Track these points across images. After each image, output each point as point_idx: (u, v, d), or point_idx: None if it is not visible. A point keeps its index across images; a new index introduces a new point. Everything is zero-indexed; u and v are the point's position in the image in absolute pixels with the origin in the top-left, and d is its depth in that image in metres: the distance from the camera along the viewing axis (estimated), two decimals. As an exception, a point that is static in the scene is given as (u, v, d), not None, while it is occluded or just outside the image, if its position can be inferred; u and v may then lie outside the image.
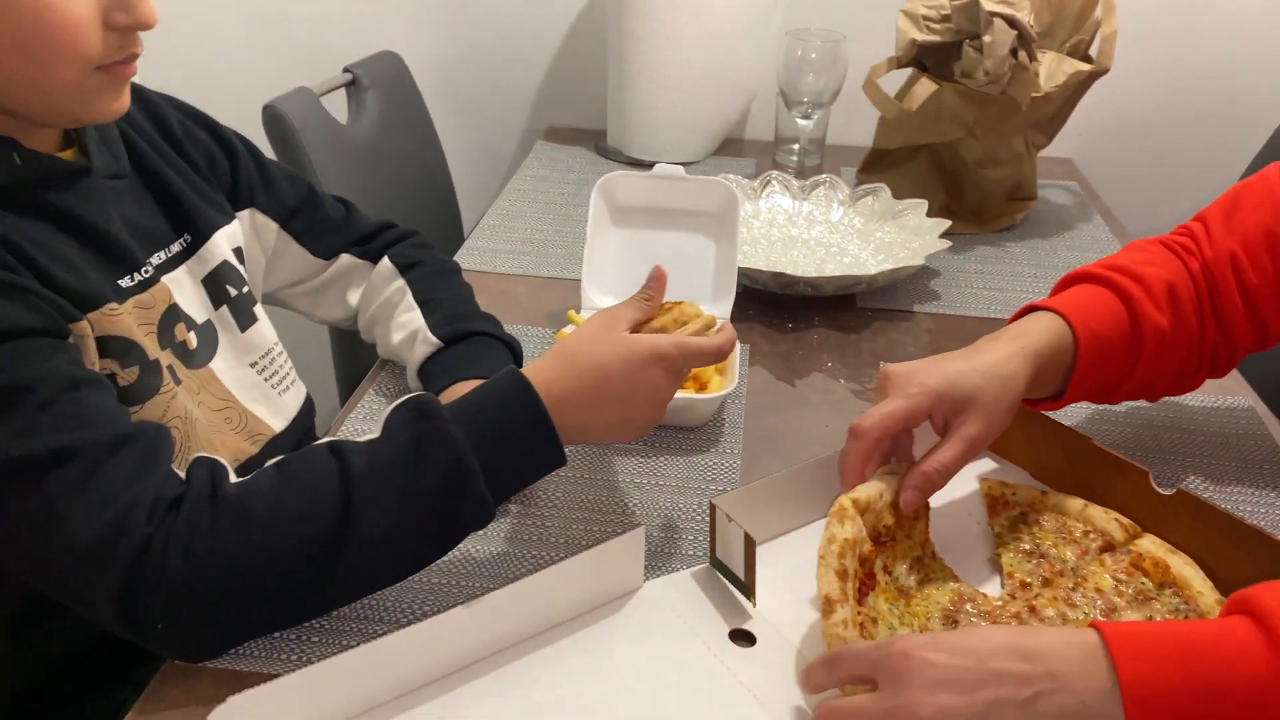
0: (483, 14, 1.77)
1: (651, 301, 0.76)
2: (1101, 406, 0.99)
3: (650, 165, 1.57)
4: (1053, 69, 1.29)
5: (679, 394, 0.90)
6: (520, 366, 0.94)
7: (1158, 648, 0.55)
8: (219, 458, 0.67)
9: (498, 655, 0.67)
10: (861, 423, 0.73)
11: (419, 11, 1.77)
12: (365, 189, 1.44)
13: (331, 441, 0.67)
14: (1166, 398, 0.91)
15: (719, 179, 1.09)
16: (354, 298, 1.02)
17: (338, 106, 1.48)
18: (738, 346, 0.98)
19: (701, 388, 0.93)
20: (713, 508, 0.73)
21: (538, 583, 0.67)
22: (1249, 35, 1.65)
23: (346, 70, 1.51)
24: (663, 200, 1.09)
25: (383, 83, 1.57)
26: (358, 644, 0.61)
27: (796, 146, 1.58)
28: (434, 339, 0.92)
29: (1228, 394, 1.02)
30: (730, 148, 1.70)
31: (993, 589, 0.75)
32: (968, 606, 0.71)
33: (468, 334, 0.93)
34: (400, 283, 0.98)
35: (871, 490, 0.71)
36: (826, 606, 0.65)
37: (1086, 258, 1.33)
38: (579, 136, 1.73)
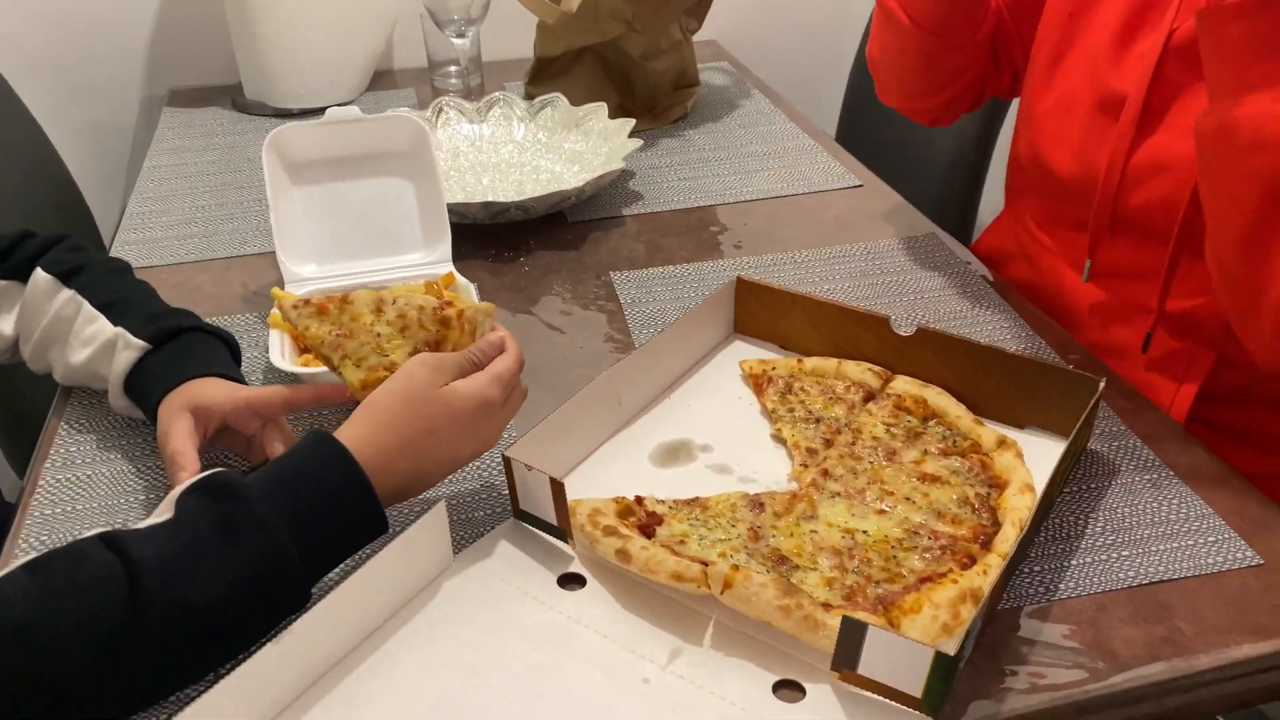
0: (55, -27, 1.51)
1: (480, 366, 0.69)
2: (824, 277, 1.04)
3: (300, 114, 1.44)
4: (693, -48, 1.31)
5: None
6: (239, 362, 0.84)
7: None
8: None
9: (322, 682, 0.60)
10: None
11: (-28, -21, 1.48)
12: (-37, 200, 1.21)
13: (101, 533, 0.57)
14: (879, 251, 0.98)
15: (401, 114, 1.01)
16: (7, 325, 0.85)
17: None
18: (471, 288, 0.93)
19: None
20: (507, 460, 0.69)
21: (347, 593, 0.60)
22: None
23: (-102, 61, 1.24)
24: (344, 148, 0.99)
25: (-50, 70, 1.31)
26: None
27: (454, 68, 1.51)
28: (139, 341, 0.79)
29: (914, 229, 1.11)
30: (383, 80, 1.59)
31: (784, 461, 0.77)
32: (764, 499, 0.72)
33: (176, 331, 0.81)
34: (68, 293, 0.83)
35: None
36: (623, 560, 0.64)
37: (759, 132, 1.39)
38: (210, 96, 1.54)
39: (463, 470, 0.78)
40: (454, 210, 1.06)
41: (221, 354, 0.81)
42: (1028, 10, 1.00)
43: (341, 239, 0.99)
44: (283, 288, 0.94)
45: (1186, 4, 0.83)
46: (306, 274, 0.97)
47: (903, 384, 0.82)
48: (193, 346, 0.80)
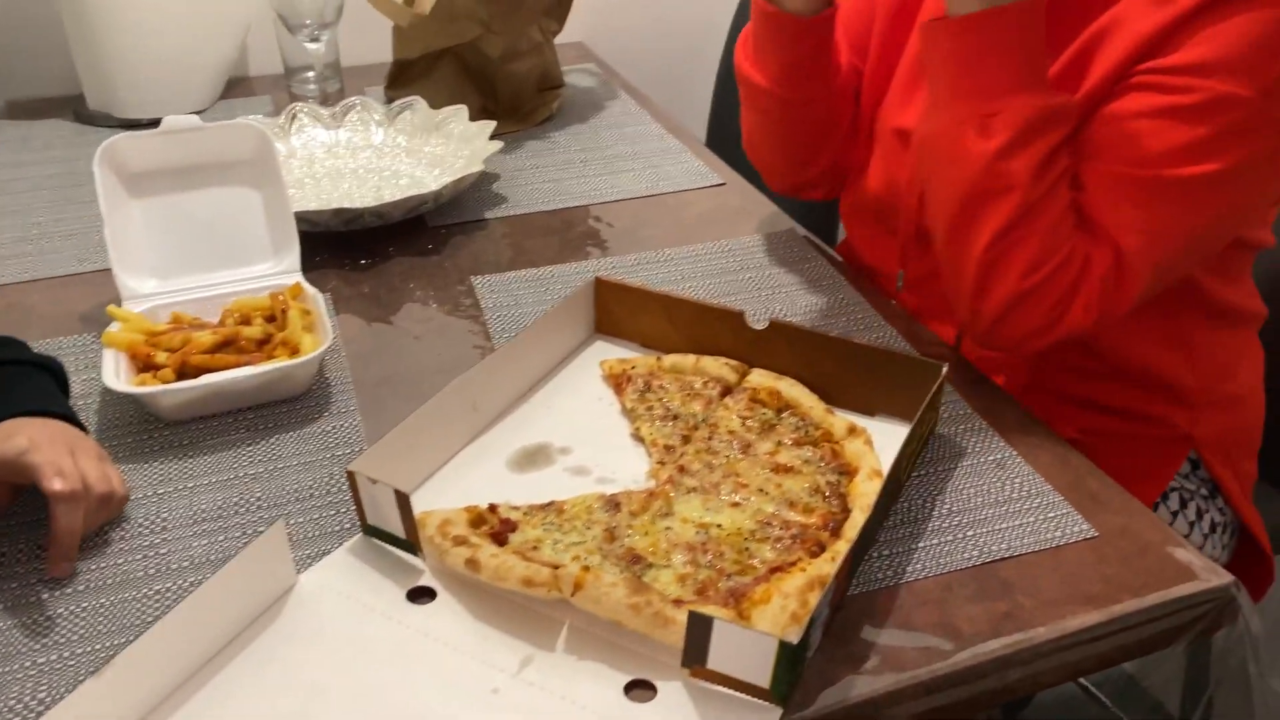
0: None
1: None
2: (687, 275, 1.04)
3: (146, 124, 1.38)
4: (549, -47, 1.30)
5: (272, 364, 0.81)
6: (67, 392, 0.79)
7: None
8: None
9: (156, 713, 0.57)
10: None
11: None
12: None
13: None
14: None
15: (243, 121, 0.97)
16: None
17: None
18: (320, 297, 0.90)
19: (294, 352, 0.84)
20: (351, 475, 0.67)
21: (178, 620, 0.57)
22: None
23: None
24: (184, 157, 0.95)
25: None
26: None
27: (312, 74, 1.47)
28: None
29: (773, 225, 1.12)
30: (238, 88, 1.54)
31: (643, 460, 0.77)
32: (620, 499, 0.72)
33: None
34: None
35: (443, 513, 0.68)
36: (473, 569, 0.63)
37: (625, 134, 1.38)
38: (50, 107, 1.46)
39: (305, 487, 0.75)
40: (305, 218, 1.03)
41: (47, 387, 0.76)
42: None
43: (185, 252, 0.95)
44: (120, 305, 0.90)
45: None
46: (146, 290, 0.92)
47: (758, 377, 0.83)
48: (11, 385, 0.74)
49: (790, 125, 1.03)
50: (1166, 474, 0.99)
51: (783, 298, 0.99)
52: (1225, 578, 0.65)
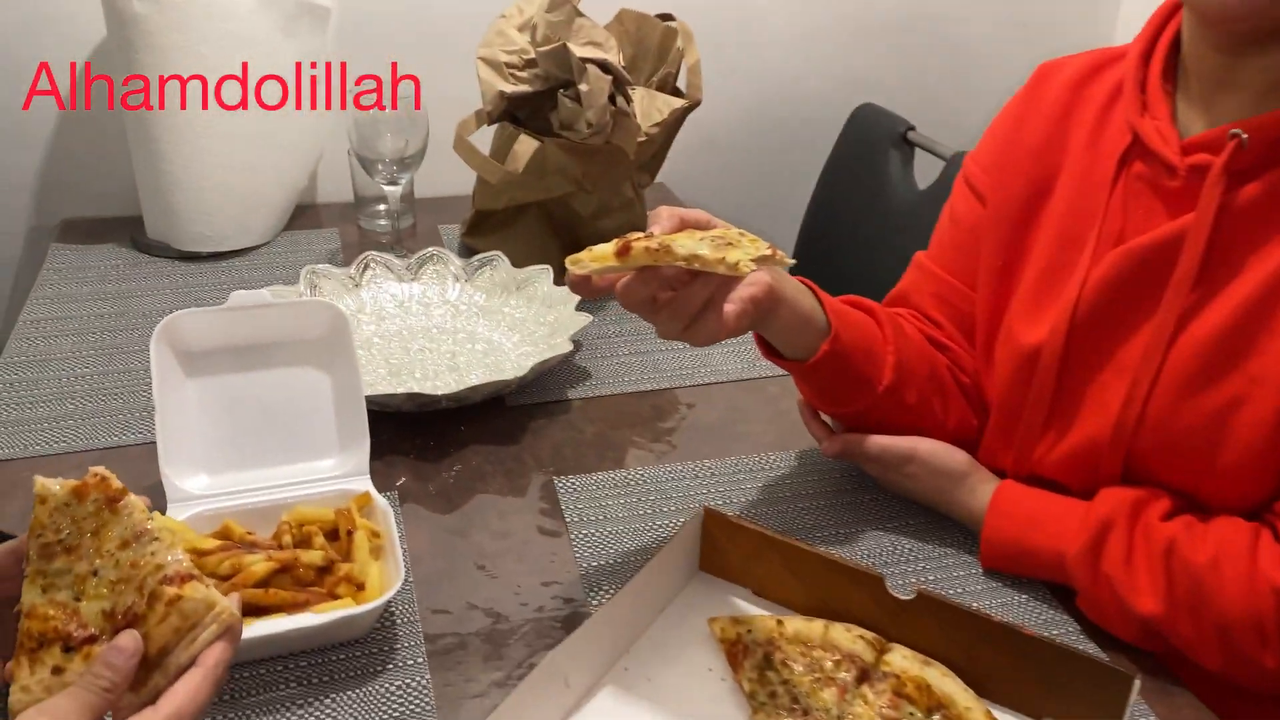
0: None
1: (112, 689, 0.51)
2: (797, 493, 0.92)
3: (207, 257, 1.30)
4: (647, 108, 1.22)
5: (333, 613, 0.69)
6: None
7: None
8: None
9: None
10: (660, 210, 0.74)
11: None
12: None
13: None
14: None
15: (319, 300, 0.87)
16: None
17: None
18: (390, 515, 0.78)
19: (359, 587, 0.73)
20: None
21: None
22: (802, 48, 1.70)
23: None
24: (249, 335, 0.86)
25: None
26: None
27: (384, 207, 1.39)
28: None
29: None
30: (305, 218, 1.46)
31: (766, 769, 0.64)
32: None
33: None
34: None
35: None
36: None
37: (715, 296, 1.28)
38: (108, 229, 1.38)
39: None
40: (376, 401, 0.93)
41: None
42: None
43: (240, 443, 0.84)
44: (165, 506, 0.79)
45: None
46: (196, 490, 0.81)
47: (900, 659, 0.70)
48: None
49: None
50: None
51: (930, 547, 0.85)
52: None
